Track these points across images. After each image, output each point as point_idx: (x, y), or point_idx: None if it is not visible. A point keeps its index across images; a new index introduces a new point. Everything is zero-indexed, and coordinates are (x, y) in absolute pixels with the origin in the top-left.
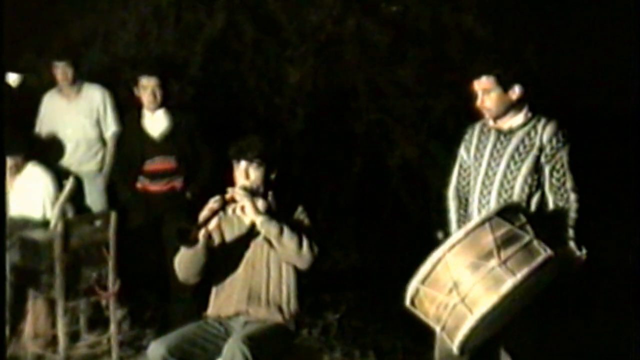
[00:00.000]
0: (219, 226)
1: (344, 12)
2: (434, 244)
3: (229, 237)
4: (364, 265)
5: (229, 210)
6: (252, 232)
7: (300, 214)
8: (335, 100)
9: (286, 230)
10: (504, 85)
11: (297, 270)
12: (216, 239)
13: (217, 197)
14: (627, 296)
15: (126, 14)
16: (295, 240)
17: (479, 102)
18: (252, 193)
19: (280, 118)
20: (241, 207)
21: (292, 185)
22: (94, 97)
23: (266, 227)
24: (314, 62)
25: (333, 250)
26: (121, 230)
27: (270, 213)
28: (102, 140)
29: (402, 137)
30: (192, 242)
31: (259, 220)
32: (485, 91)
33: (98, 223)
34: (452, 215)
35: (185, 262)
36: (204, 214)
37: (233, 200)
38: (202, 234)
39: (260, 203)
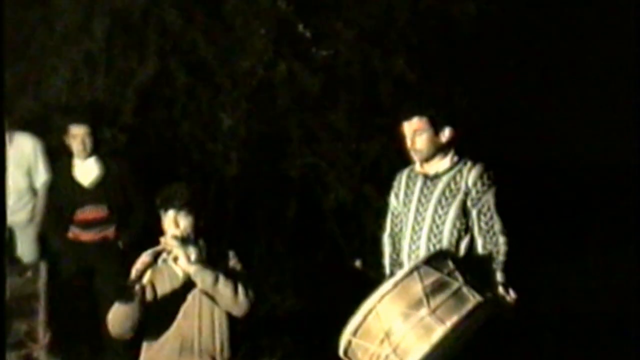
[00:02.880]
0: (150, 278)
1: (275, 57)
2: (371, 286)
3: (160, 288)
4: (300, 309)
5: (160, 261)
6: (182, 282)
7: (232, 260)
8: (269, 145)
9: (221, 278)
10: (436, 127)
11: (230, 317)
12: (148, 292)
13: (149, 251)
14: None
15: (57, 60)
16: (231, 287)
17: (409, 144)
18: (183, 241)
19: (215, 163)
20: (174, 258)
21: (227, 230)
22: (25, 146)
23: (200, 277)
24: (246, 107)
25: (269, 295)
26: (53, 280)
27: (203, 261)
28: (33, 190)
29: (335, 180)
30: (130, 298)
31: (192, 269)
32: (417, 132)
33: (28, 274)
34: (386, 261)
35: (119, 317)
36: (137, 267)
37: (165, 251)
38: (137, 288)
39: (193, 252)
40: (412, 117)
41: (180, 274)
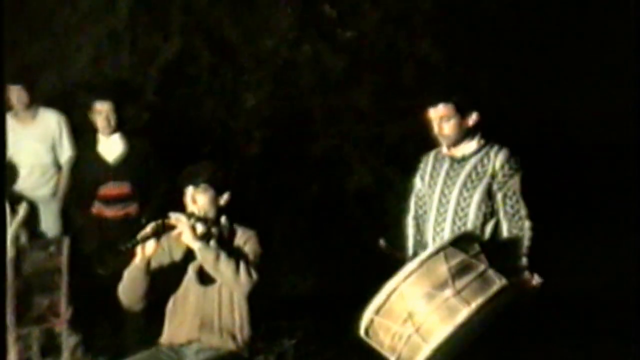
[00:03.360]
0: (169, 253)
1: (300, 37)
2: (392, 269)
3: (180, 263)
4: (320, 290)
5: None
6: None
7: (242, 238)
8: (292, 125)
9: (223, 256)
10: (462, 112)
11: (250, 296)
12: (165, 262)
13: (152, 223)
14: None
15: (82, 37)
16: (232, 266)
17: (436, 130)
18: (200, 219)
19: (237, 142)
20: (179, 233)
21: (249, 209)
22: (50, 122)
23: (202, 254)
24: (270, 86)
25: (290, 275)
26: (75, 256)
27: (216, 239)
28: (57, 165)
29: (358, 161)
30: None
31: (195, 246)
32: (444, 118)
33: (51, 249)
34: (409, 243)
35: (127, 287)
36: (140, 235)
37: (172, 226)
38: (139, 258)
39: (200, 229)
40: (437, 103)
41: (184, 249)
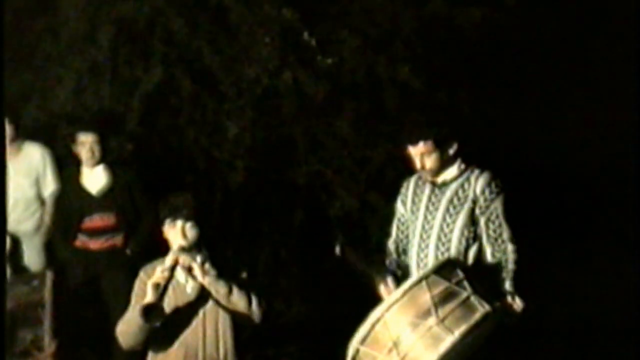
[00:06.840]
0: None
1: (280, 65)
2: (377, 296)
3: (166, 298)
4: (306, 317)
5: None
6: (189, 293)
7: (243, 271)
8: (274, 153)
9: (235, 289)
10: (442, 145)
11: (234, 327)
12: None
13: (165, 266)
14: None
15: (63, 70)
16: (245, 298)
17: (419, 166)
18: (192, 252)
19: (220, 171)
20: (188, 269)
21: (233, 238)
22: (34, 156)
23: (214, 287)
24: (252, 115)
25: (275, 303)
26: (60, 289)
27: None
28: (40, 199)
29: (341, 188)
30: (160, 318)
31: (206, 281)
32: (425, 154)
33: (34, 283)
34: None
35: (133, 332)
36: (158, 282)
37: (178, 264)
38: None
39: (206, 264)
40: (417, 142)
41: (188, 286)
